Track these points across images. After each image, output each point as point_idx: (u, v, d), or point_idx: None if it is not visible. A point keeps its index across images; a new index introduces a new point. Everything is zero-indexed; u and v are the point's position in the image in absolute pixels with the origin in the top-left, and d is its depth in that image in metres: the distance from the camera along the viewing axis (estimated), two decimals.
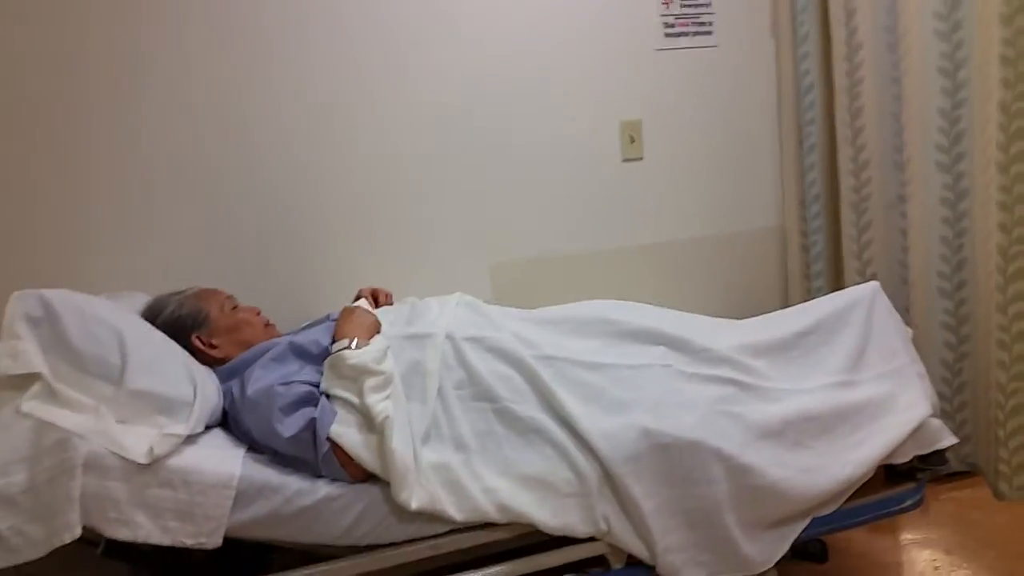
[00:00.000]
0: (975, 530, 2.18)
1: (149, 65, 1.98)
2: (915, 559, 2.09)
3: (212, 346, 1.72)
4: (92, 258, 1.97)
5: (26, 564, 1.36)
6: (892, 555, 2.13)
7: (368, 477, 1.50)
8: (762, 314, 1.97)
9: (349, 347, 1.58)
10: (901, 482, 1.77)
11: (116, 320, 1.52)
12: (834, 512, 1.64)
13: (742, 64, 2.47)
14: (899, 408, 1.71)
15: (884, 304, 1.84)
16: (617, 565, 1.58)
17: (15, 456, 1.33)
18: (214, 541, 1.40)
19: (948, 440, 1.71)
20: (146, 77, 1.98)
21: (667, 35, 2.39)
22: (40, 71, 1.90)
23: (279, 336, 1.79)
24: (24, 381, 1.39)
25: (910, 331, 1.86)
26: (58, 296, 1.46)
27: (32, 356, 1.39)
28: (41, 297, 1.43)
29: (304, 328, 1.81)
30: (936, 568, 2.03)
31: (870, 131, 2.22)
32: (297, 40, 2.08)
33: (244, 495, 1.43)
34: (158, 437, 1.41)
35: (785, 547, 1.61)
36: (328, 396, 1.56)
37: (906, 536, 2.20)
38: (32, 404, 1.37)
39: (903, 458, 1.69)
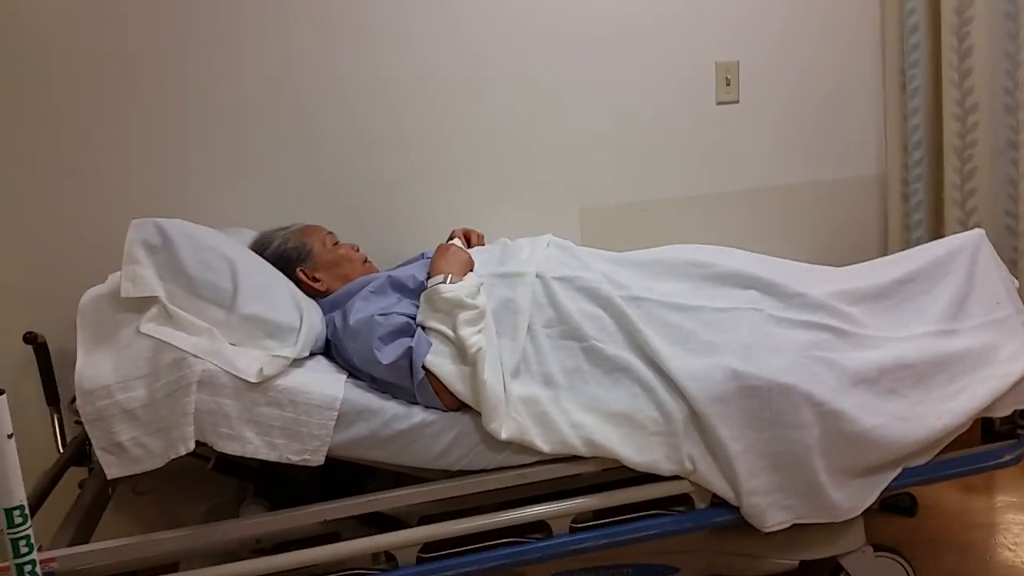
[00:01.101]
0: None
1: (248, 8, 2.02)
2: (1009, 522, 2.04)
3: (315, 279, 1.79)
4: (201, 194, 2.05)
5: (142, 478, 1.47)
6: (985, 516, 2.08)
7: (461, 406, 1.54)
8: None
9: (444, 282, 1.61)
10: (999, 440, 1.72)
11: (227, 249, 1.59)
12: (926, 464, 1.61)
13: (844, 3, 2.37)
14: (1001, 359, 1.65)
15: (989, 252, 1.78)
16: (701, 505, 1.59)
17: (136, 373, 1.42)
18: (317, 459, 1.46)
19: None
20: (245, 20, 2.02)
21: None
22: (142, 16, 1.96)
23: (377, 271, 1.85)
24: (143, 304, 1.47)
25: (1016, 282, 1.79)
26: (174, 225, 1.53)
27: (150, 280, 1.47)
28: (158, 225, 1.51)
29: (401, 265, 1.85)
30: None
31: (980, 72, 2.12)
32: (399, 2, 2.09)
33: (346, 416, 1.49)
34: (267, 358, 1.47)
35: (873, 496, 1.59)
36: (424, 328, 1.60)
37: (1002, 498, 2.15)
38: (150, 325, 1.45)
39: (1003, 411, 1.65)
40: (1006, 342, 1.68)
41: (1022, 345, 1.67)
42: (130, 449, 1.40)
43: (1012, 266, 1.98)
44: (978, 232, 1.80)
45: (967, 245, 1.78)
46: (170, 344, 1.43)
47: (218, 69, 2.02)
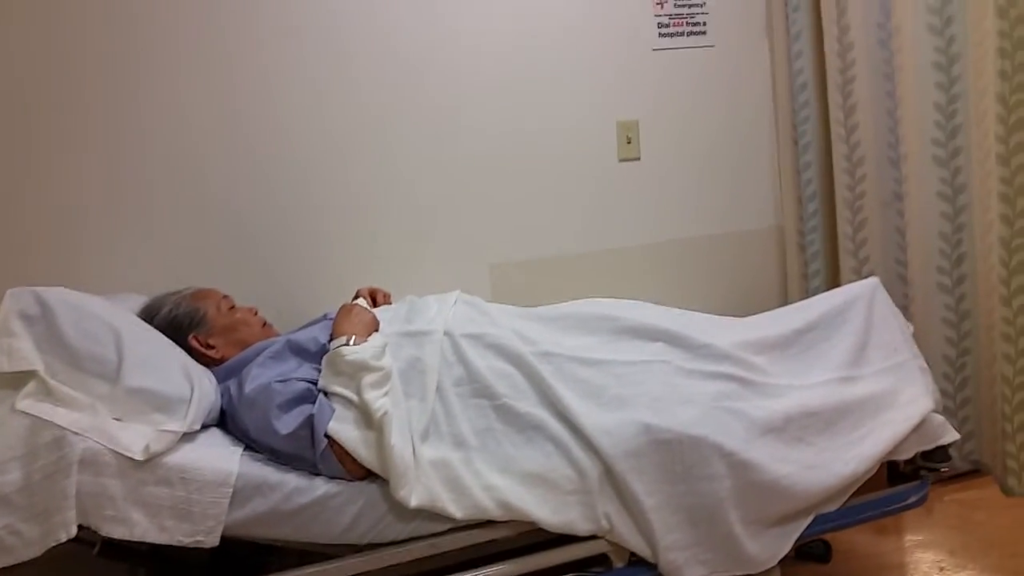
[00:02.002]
0: (979, 530, 2.17)
1: (144, 64, 1.98)
2: (919, 560, 2.08)
3: (209, 346, 1.72)
4: (87, 259, 1.97)
5: (21, 566, 1.35)
6: (896, 556, 2.12)
7: (367, 474, 1.49)
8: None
9: (347, 344, 1.57)
10: (904, 481, 1.76)
11: (112, 318, 1.51)
12: (837, 510, 1.63)
13: (738, 63, 2.48)
14: (901, 403, 1.69)
15: (884, 299, 1.84)
16: (619, 564, 1.57)
17: (10, 454, 1.32)
18: (212, 540, 1.38)
19: (951, 436, 1.70)
20: (141, 77, 1.98)
21: (662, 35, 2.40)
22: (35, 70, 1.90)
23: (277, 335, 1.79)
24: (19, 379, 1.38)
25: (911, 327, 1.86)
26: (54, 293, 1.45)
27: (27, 353, 1.38)
28: (36, 294, 1.43)
29: (302, 328, 1.79)
30: (941, 569, 2.02)
31: (865, 128, 2.22)
32: (294, 41, 2.09)
33: (242, 493, 1.41)
34: (155, 434, 1.39)
35: (788, 545, 1.59)
36: (326, 394, 1.54)
37: (910, 537, 2.19)
38: (27, 402, 1.36)
39: (906, 454, 1.68)
40: (905, 386, 1.72)
41: (920, 388, 1.72)
42: (3, 538, 1.30)
43: (904, 311, 2.05)
44: (873, 280, 1.86)
45: (863, 293, 1.83)
46: (48, 421, 1.34)
47: (108, 124, 1.97)
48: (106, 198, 1.98)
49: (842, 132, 2.27)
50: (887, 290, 1.86)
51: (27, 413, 1.35)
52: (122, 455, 1.35)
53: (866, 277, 1.94)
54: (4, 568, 1.31)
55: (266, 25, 2.06)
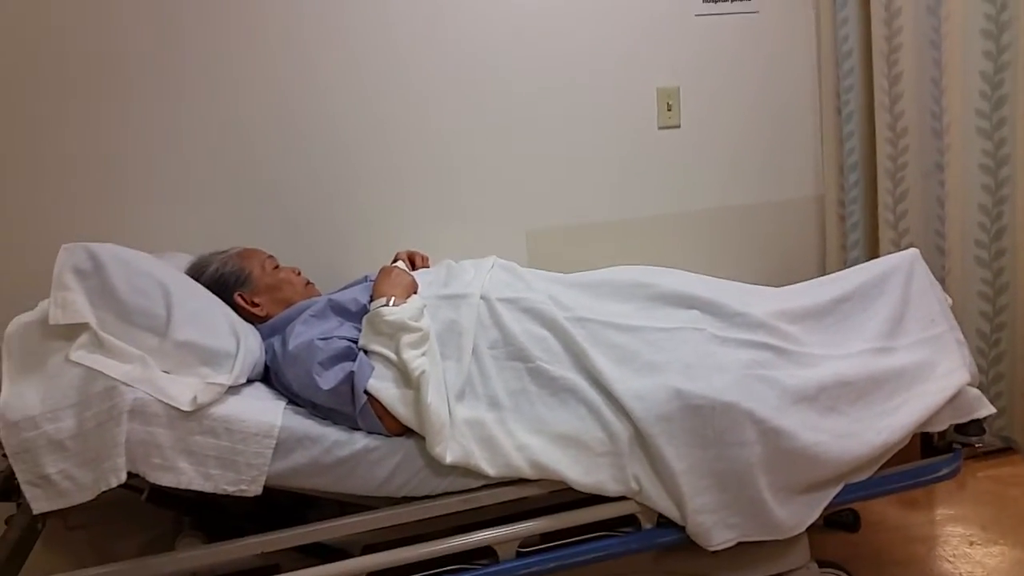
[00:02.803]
0: (1012, 507, 2.16)
1: (188, 27, 2.00)
2: (949, 534, 2.08)
3: (254, 304, 1.75)
4: (136, 218, 2.01)
5: (73, 512, 1.40)
6: (926, 529, 2.12)
7: (404, 431, 1.52)
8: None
9: (387, 304, 1.60)
10: (937, 454, 1.76)
11: (161, 274, 1.55)
12: (868, 479, 1.63)
13: (782, 30, 2.43)
14: (937, 375, 1.69)
15: (923, 271, 1.82)
16: (648, 525, 1.59)
17: (65, 402, 1.37)
18: (255, 489, 1.42)
19: (986, 410, 1.68)
20: (185, 40, 2.00)
21: (706, 0, 2.36)
22: (78, 34, 1.93)
23: (319, 295, 1.82)
24: (73, 331, 1.42)
25: (950, 300, 1.84)
26: (105, 249, 1.49)
27: (80, 307, 1.42)
28: (89, 250, 1.47)
29: (343, 288, 1.83)
30: (971, 543, 2.03)
31: (908, 97, 2.19)
32: (329, 8, 2.09)
33: (284, 444, 1.45)
34: (202, 386, 1.43)
35: (817, 513, 1.60)
36: (366, 352, 1.58)
37: (942, 511, 2.19)
38: (80, 353, 1.40)
39: (940, 426, 1.68)
40: (941, 358, 1.71)
41: (957, 361, 1.71)
42: (58, 482, 1.35)
43: (941, 284, 2.03)
44: (913, 252, 1.84)
45: (902, 264, 1.82)
46: (101, 372, 1.38)
47: (153, 89, 1.99)
48: (151, 159, 2.01)
49: (886, 101, 2.23)
50: (925, 262, 1.84)
51: (80, 364, 1.39)
52: (170, 406, 1.39)
53: (905, 248, 1.92)
54: (60, 510, 1.36)
55: (311, 4, 2.07)
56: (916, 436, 1.71)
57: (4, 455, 1.39)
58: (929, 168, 2.19)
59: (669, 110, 2.38)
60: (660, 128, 2.39)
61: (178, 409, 1.40)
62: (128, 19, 1.96)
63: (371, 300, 1.65)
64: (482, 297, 1.72)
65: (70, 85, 1.94)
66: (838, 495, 1.62)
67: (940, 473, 1.73)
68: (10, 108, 1.90)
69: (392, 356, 1.54)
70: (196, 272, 1.76)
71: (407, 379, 1.52)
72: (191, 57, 2.01)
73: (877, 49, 2.24)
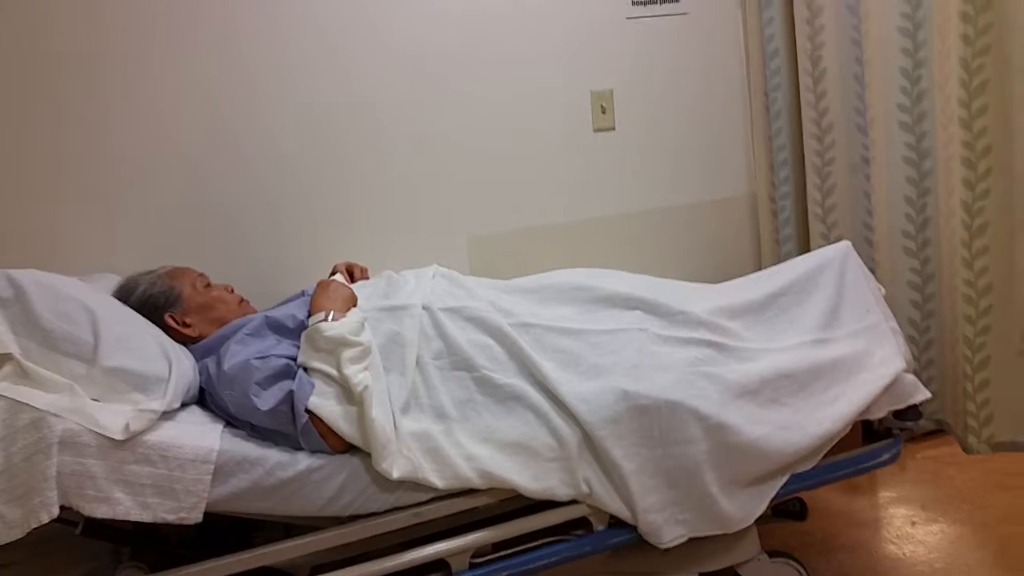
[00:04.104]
0: (950, 485, 2.23)
1: (121, 45, 1.95)
2: (892, 515, 2.14)
3: (186, 324, 1.71)
4: (62, 240, 1.95)
5: (4, 550, 1.35)
6: (870, 512, 2.17)
7: (348, 448, 1.50)
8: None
9: (325, 320, 1.57)
10: (879, 440, 1.80)
11: (87, 298, 1.50)
12: (812, 469, 1.66)
13: (711, 30, 2.47)
14: (873, 364, 1.73)
15: (856, 263, 1.86)
16: (599, 526, 1.60)
17: None
18: (195, 516, 1.39)
19: (922, 395, 1.73)
20: (118, 55, 1.95)
21: (635, 3, 2.39)
22: (10, 51, 1.87)
23: (254, 312, 1.78)
24: None
25: (882, 289, 1.88)
26: (27, 276, 1.44)
27: (2, 336, 1.38)
28: (8, 276, 1.42)
29: (280, 304, 1.79)
30: (913, 523, 2.08)
31: (833, 94, 2.24)
32: (265, 15, 2.06)
33: (223, 469, 1.42)
34: (134, 413, 1.39)
35: (764, 504, 1.63)
36: (306, 369, 1.55)
37: (884, 494, 2.25)
38: (3, 385, 1.35)
39: (879, 413, 1.72)
40: (877, 348, 1.75)
41: (892, 349, 1.75)
42: None
43: (872, 275, 2.09)
44: (845, 244, 1.88)
45: (836, 257, 1.86)
46: (26, 404, 1.33)
47: (81, 99, 1.94)
48: (80, 179, 1.96)
49: (811, 98, 2.28)
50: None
51: (4, 396, 1.33)
52: (102, 435, 1.35)
53: (835, 242, 1.96)
54: None
55: (246, 10, 2.04)
56: (857, 423, 1.74)
57: None
58: (855, 162, 2.24)
59: (603, 112, 2.40)
60: (596, 130, 2.41)
61: (110, 438, 1.35)
62: (63, 34, 1.91)
63: (309, 315, 1.62)
64: (424, 307, 1.71)
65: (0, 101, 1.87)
66: (784, 486, 1.64)
67: (882, 459, 1.78)
68: None
69: (333, 372, 1.52)
70: (123, 294, 1.71)
71: (349, 395, 1.49)
72: (120, 68, 1.96)
73: (801, 48, 2.29)
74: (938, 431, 2.26)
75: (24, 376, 1.37)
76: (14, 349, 1.38)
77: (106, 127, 1.97)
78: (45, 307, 1.42)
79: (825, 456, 1.68)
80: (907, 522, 2.10)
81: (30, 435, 1.32)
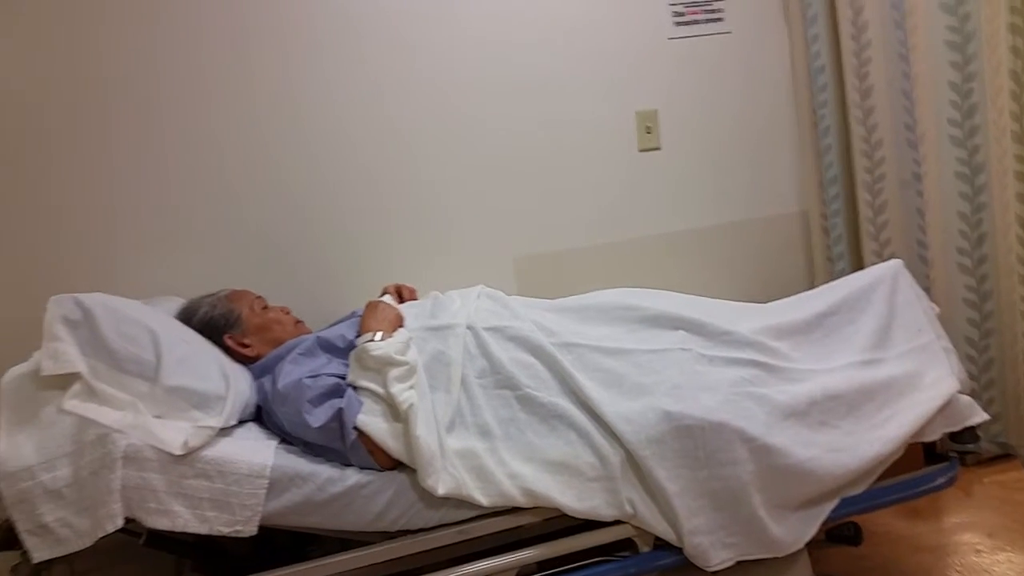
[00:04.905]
0: (1018, 512, 2.14)
1: (169, 75, 2.04)
2: (956, 543, 2.06)
3: (244, 345, 1.77)
4: (125, 265, 2.04)
5: (79, 558, 1.42)
6: (932, 538, 2.10)
7: (396, 464, 1.53)
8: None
9: (373, 340, 1.61)
10: (938, 463, 1.76)
11: (150, 320, 1.57)
12: (864, 492, 1.63)
13: (755, 49, 2.47)
14: (926, 385, 1.69)
15: (907, 281, 1.83)
16: (645, 548, 1.59)
17: (60, 452, 1.39)
18: (250, 529, 1.43)
19: (979, 416, 1.69)
20: (167, 88, 2.04)
21: (677, 24, 2.40)
22: (63, 84, 1.97)
23: (308, 333, 1.84)
24: (65, 380, 1.44)
25: (936, 308, 1.85)
26: (94, 299, 1.52)
27: (71, 357, 1.45)
28: (78, 300, 1.49)
29: (331, 325, 1.85)
30: (978, 551, 2.01)
31: (881, 110, 2.22)
32: (311, 42, 2.13)
33: (277, 484, 1.46)
34: (192, 430, 1.45)
35: (814, 528, 1.60)
36: (355, 387, 1.59)
37: (948, 520, 2.17)
38: (73, 402, 1.43)
39: (933, 435, 1.68)
40: (930, 368, 1.72)
41: (945, 370, 1.71)
42: (56, 530, 1.37)
43: (927, 293, 2.04)
44: (896, 262, 1.85)
45: (886, 275, 1.83)
46: (93, 420, 1.41)
47: (139, 136, 2.03)
48: (140, 209, 2.05)
49: (859, 114, 2.27)
50: (909, 272, 1.86)
51: (73, 413, 1.41)
52: (162, 450, 1.41)
53: (887, 259, 1.93)
54: (66, 557, 1.38)
55: (284, 30, 2.11)
56: (917, 446, 1.70)
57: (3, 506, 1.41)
58: (906, 178, 2.21)
59: (649, 132, 2.41)
60: (641, 151, 2.42)
61: (170, 453, 1.41)
62: (116, 73, 2.00)
63: (358, 336, 1.67)
64: (468, 327, 1.74)
65: (59, 137, 1.97)
66: (835, 509, 1.61)
67: (936, 483, 1.73)
68: (2, 161, 1.93)
69: (380, 391, 1.56)
70: (186, 316, 1.78)
71: (396, 413, 1.53)
72: (177, 106, 2.05)
73: (848, 64, 2.27)
74: (1006, 455, 2.19)
75: (91, 394, 1.45)
76: (83, 369, 1.45)
77: (163, 163, 2.05)
78: (111, 329, 1.49)
79: (879, 479, 1.64)
80: (972, 550, 2.02)
81: (97, 450, 1.39)
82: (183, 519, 1.41)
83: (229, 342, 1.76)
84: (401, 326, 1.73)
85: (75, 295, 1.50)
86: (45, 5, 1.94)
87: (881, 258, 2.26)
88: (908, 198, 2.22)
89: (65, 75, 1.97)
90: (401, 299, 1.99)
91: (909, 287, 1.83)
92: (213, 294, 1.85)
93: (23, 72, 1.94)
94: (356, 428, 1.51)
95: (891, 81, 2.19)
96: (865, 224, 2.32)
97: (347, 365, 1.64)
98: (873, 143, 2.25)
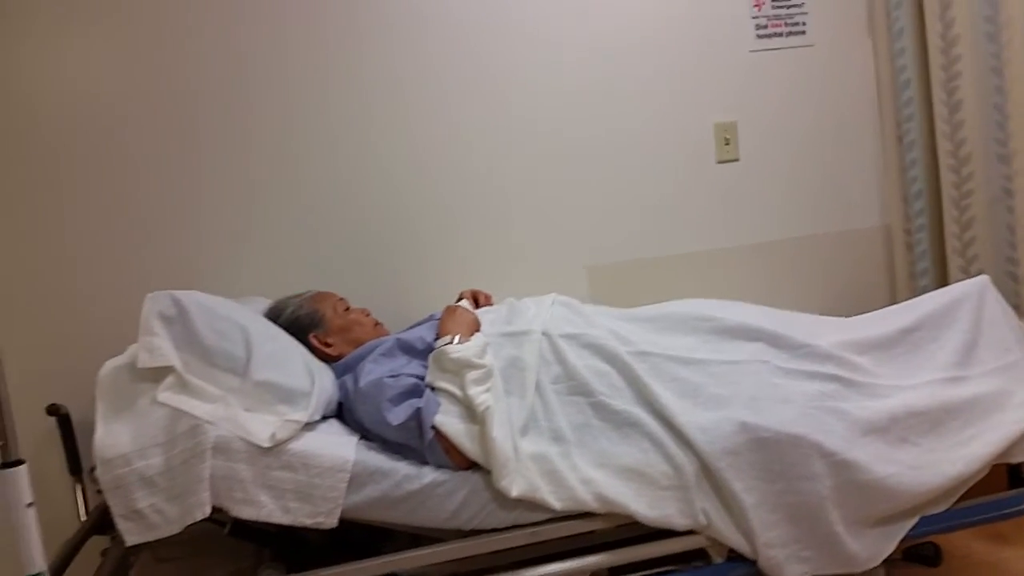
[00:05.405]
0: None
1: (255, 78, 2.10)
2: None
3: (328, 344, 1.83)
4: (215, 265, 2.11)
5: (163, 545, 1.49)
6: (1016, 564, 2.03)
7: (471, 465, 1.56)
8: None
9: (451, 343, 1.65)
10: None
11: (241, 318, 1.64)
12: (945, 511, 1.60)
13: (838, 62, 2.44)
14: (1013, 404, 1.65)
15: (995, 298, 1.79)
16: (718, 559, 1.58)
17: (153, 441, 1.46)
18: (331, 521, 1.48)
19: None
20: (253, 90, 2.10)
21: (760, 36, 2.39)
22: (153, 94, 2.05)
23: (387, 334, 1.89)
24: (159, 373, 1.52)
25: None
26: (188, 296, 1.59)
27: (166, 351, 1.52)
28: (173, 297, 1.57)
29: (411, 327, 1.89)
30: None
31: (971, 124, 2.16)
32: (398, 45, 2.18)
33: (358, 478, 1.51)
34: (280, 423, 1.50)
35: (892, 546, 1.57)
36: (433, 388, 1.62)
37: None
38: (167, 394, 1.50)
39: (1020, 456, 1.63)
40: (1017, 387, 1.67)
41: None
42: (148, 515, 1.43)
43: (1016, 311, 1.98)
44: (983, 278, 1.81)
45: (972, 292, 1.79)
46: (186, 412, 1.47)
47: (229, 144, 2.10)
48: (230, 210, 2.12)
49: (947, 129, 2.21)
50: (997, 289, 1.81)
51: (167, 404, 1.48)
52: (250, 442, 1.47)
53: (974, 276, 1.88)
54: (150, 544, 1.45)
55: (369, 30, 2.15)
56: (1001, 467, 1.66)
57: (99, 491, 1.48)
58: (996, 194, 2.15)
59: (727, 144, 2.40)
60: (719, 162, 2.41)
61: (258, 445, 1.47)
62: (203, 76, 2.08)
63: (436, 338, 1.70)
64: (544, 333, 1.76)
65: (149, 140, 2.06)
66: (914, 528, 1.59)
67: (1023, 506, 1.68)
68: (99, 163, 2.03)
69: (458, 392, 1.59)
70: (273, 315, 1.85)
71: (472, 414, 1.56)
72: (263, 110, 2.12)
73: (935, 78, 2.23)
74: None
75: (184, 387, 1.52)
76: (176, 363, 1.52)
77: (255, 173, 2.12)
78: (204, 325, 1.56)
79: (961, 500, 1.61)
80: None
81: (188, 441, 1.45)
82: (268, 509, 1.46)
83: (313, 341, 1.82)
84: (478, 330, 1.77)
85: (171, 292, 1.58)
86: (137, 13, 2.03)
87: (967, 274, 2.20)
88: (998, 214, 2.16)
89: (154, 78, 2.05)
90: (477, 304, 2.02)
91: (996, 304, 1.78)
92: (299, 295, 1.91)
93: (115, 75, 2.03)
94: (433, 428, 1.55)
95: (982, 95, 2.13)
96: (951, 240, 2.26)
97: (425, 366, 1.68)
98: (961, 158, 2.20)
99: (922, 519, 1.59)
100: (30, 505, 1.24)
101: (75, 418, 1.87)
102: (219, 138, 2.10)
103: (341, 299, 1.93)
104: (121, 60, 2.04)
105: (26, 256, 2.00)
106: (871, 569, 1.56)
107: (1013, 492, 1.70)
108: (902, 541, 1.58)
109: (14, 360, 1.33)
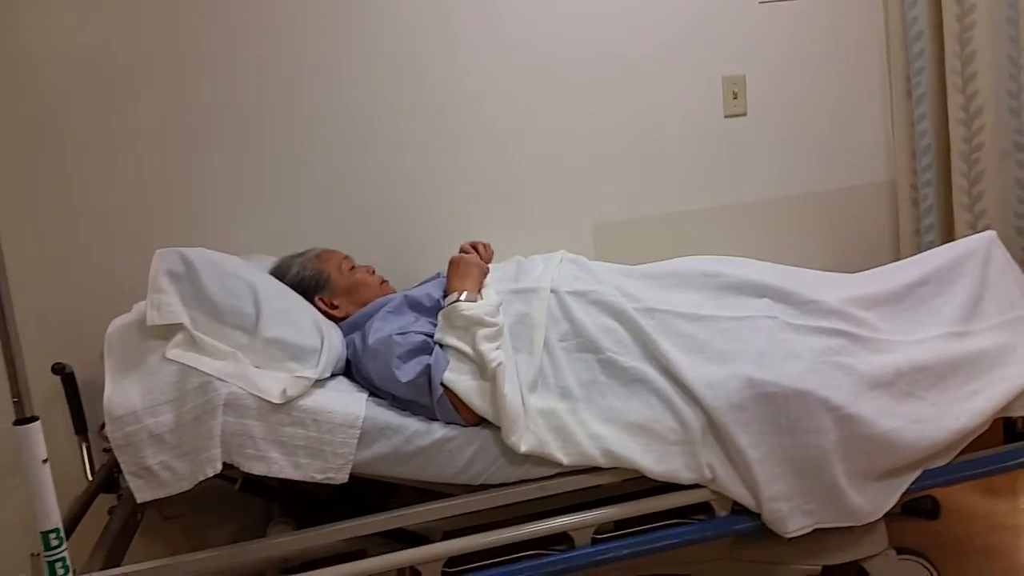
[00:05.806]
0: None
1: (258, 38, 2.07)
2: None
3: (334, 306, 1.82)
4: (221, 223, 2.10)
5: (169, 503, 1.50)
6: (1010, 517, 2.07)
7: (480, 421, 1.57)
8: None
9: (459, 299, 1.64)
10: (1020, 440, 1.72)
11: (249, 275, 1.63)
12: (946, 465, 1.62)
13: (847, 14, 2.40)
14: (1017, 359, 1.66)
15: (1001, 253, 1.79)
16: (722, 512, 1.60)
17: (162, 398, 1.46)
18: (342, 477, 1.49)
19: None
20: (258, 50, 2.08)
21: None
22: (157, 50, 2.02)
23: (393, 292, 1.88)
24: (168, 330, 1.51)
25: None
26: (197, 253, 1.57)
27: (175, 308, 1.51)
28: (181, 254, 1.55)
29: (418, 285, 1.88)
30: None
31: (983, 77, 2.14)
32: (396, 9, 2.15)
33: (368, 434, 1.51)
34: (290, 380, 1.50)
35: (894, 499, 1.60)
36: (441, 345, 1.62)
37: None
38: (176, 351, 1.49)
39: (1021, 411, 1.65)
40: (1021, 342, 1.68)
41: None
42: (159, 473, 1.44)
43: (1022, 267, 1.98)
44: (990, 234, 1.81)
45: (979, 247, 1.79)
46: (195, 369, 1.47)
47: (233, 100, 2.08)
48: (233, 166, 2.10)
49: (959, 82, 2.19)
50: (1004, 245, 1.81)
51: (176, 361, 1.48)
52: (261, 399, 1.47)
53: (981, 231, 1.88)
54: (156, 502, 1.46)
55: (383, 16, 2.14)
56: (998, 421, 1.68)
57: (107, 450, 1.49)
58: (1007, 148, 2.14)
59: (735, 98, 2.37)
60: (727, 116, 2.39)
61: (269, 402, 1.47)
62: (205, 36, 2.05)
63: (444, 295, 1.70)
64: (552, 291, 1.75)
65: (152, 98, 2.03)
66: (916, 481, 1.61)
67: (1021, 460, 1.70)
68: (105, 120, 2.01)
69: (467, 349, 1.59)
70: (278, 275, 1.83)
71: (482, 371, 1.56)
72: (267, 67, 2.09)
73: (949, 29, 2.19)
74: None
75: (193, 344, 1.51)
76: (185, 320, 1.51)
77: (258, 130, 2.10)
78: (213, 282, 1.55)
79: (960, 454, 1.63)
80: None
81: (198, 397, 1.45)
82: (279, 465, 1.47)
83: (319, 303, 1.81)
84: (485, 274, 1.77)
85: (179, 249, 1.56)
86: None
87: (975, 230, 2.20)
88: (1007, 168, 2.15)
89: (160, 33, 2.02)
90: (477, 255, 2.00)
91: (1002, 259, 1.79)
92: (303, 254, 1.89)
93: (121, 30, 2.00)
94: (443, 384, 1.55)
95: (996, 47, 2.11)
96: (959, 195, 2.25)
97: (434, 324, 1.68)
98: (972, 111, 2.18)
99: (924, 472, 1.61)
100: (45, 461, 1.24)
101: (79, 377, 1.88)
102: (225, 93, 2.07)
103: (346, 257, 1.92)
104: (127, 16, 2.00)
105: (31, 214, 1.98)
106: (872, 522, 1.59)
107: (1010, 446, 1.72)
108: (903, 495, 1.60)
109: (19, 319, 1.32)
